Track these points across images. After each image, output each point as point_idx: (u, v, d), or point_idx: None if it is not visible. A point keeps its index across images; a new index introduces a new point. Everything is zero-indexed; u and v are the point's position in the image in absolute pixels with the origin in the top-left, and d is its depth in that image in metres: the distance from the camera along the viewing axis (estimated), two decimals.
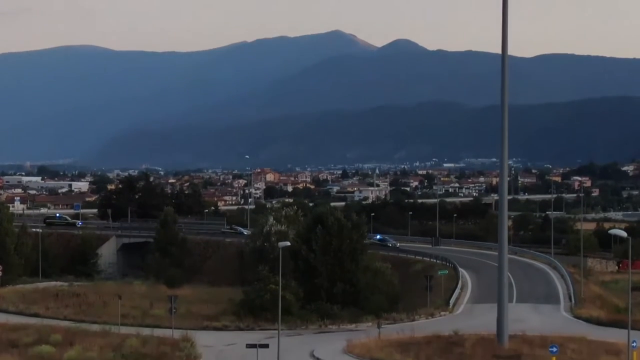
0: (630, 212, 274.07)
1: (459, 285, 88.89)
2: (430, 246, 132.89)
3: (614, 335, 58.86)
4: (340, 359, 54.61)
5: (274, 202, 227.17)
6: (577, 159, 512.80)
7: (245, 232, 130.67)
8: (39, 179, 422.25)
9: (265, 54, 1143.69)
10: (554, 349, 50.49)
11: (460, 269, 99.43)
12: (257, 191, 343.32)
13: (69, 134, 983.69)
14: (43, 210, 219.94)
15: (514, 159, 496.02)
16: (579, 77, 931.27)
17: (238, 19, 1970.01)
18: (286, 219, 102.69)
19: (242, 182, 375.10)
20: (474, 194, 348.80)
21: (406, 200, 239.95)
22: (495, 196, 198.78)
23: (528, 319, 70.72)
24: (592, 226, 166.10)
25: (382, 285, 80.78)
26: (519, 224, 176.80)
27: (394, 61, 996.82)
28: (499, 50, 58.95)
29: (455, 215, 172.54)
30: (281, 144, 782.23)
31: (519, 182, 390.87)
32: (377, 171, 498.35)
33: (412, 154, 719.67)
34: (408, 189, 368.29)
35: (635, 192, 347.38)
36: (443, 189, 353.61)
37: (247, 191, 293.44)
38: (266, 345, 47.76)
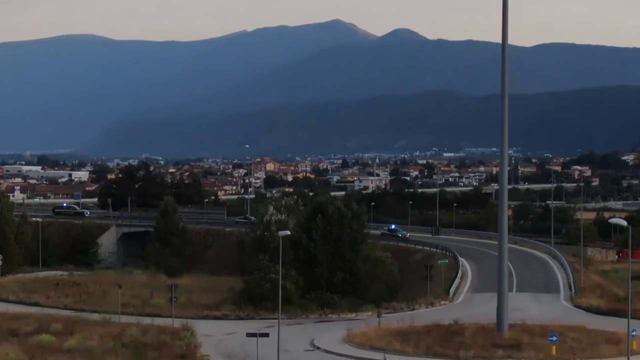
0: (630, 202, 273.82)
1: (459, 275, 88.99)
2: (430, 235, 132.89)
3: (614, 325, 58.91)
4: (341, 348, 54.65)
5: (274, 191, 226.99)
6: (577, 148, 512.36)
7: None
8: (39, 168, 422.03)
9: (265, 43, 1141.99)
10: (554, 338, 50.57)
11: (460, 259, 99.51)
12: (257, 181, 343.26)
13: (69, 124, 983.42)
14: (43, 200, 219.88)
15: (514, 148, 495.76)
16: (579, 66, 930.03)
17: (238, 8, 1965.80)
18: (286, 208, 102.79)
19: (242, 171, 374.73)
20: (474, 183, 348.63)
21: (406, 190, 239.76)
22: (495, 185, 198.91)
23: (528, 308, 70.81)
24: (592, 215, 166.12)
25: (382, 275, 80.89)
26: (519, 213, 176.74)
27: (394, 50, 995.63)
28: (499, 40, 58.88)
29: (455, 204, 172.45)
30: (281, 134, 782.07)
31: (519, 171, 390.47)
32: (377, 161, 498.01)
33: (412, 143, 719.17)
34: (408, 178, 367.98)
35: (635, 182, 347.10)
36: (443, 179, 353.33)
37: (247, 181, 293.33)
38: (266, 334, 47.82)
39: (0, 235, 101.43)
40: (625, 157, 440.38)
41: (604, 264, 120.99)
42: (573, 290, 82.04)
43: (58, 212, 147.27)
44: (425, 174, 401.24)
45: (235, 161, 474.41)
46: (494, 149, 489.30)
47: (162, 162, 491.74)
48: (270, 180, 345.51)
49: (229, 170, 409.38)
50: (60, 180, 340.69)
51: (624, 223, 46.17)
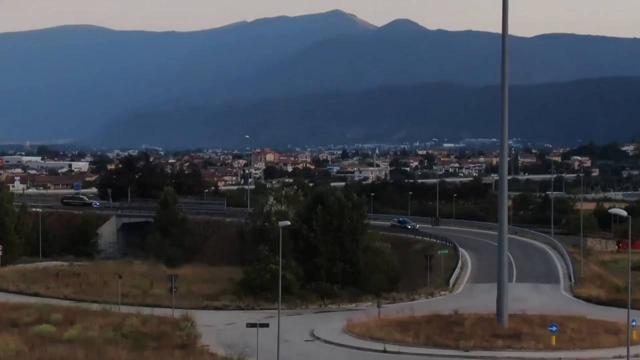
0: (630, 192, 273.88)
1: (459, 265, 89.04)
2: (430, 226, 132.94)
3: (614, 315, 58.99)
4: (341, 338, 54.70)
5: (274, 182, 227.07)
6: (577, 138, 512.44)
7: None
8: (38, 158, 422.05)
9: (265, 34, 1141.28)
10: (554, 328, 50.63)
11: (460, 249, 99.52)
12: (257, 171, 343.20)
13: (68, 114, 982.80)
14: (43, 190, 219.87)
15: (514, 139, 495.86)
16: (580, 57, 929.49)
17: None
18: (286, 199, 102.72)
19: (242, 162, 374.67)
20: (474, 174, 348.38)
21: (406, 180, 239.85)
22: (495, 176, 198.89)
23: (528, 298, 70.88)
24: (592, 206, 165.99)
25: (382, 265, 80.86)
26: (519, 204, 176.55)
27: (394, 41, 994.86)
28: (499, 30, 58.76)
29: (455, 195, 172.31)
30: (281, 124, 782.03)
31: (519, 162, 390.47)
32: (377, 151, 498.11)
33: (412, 134, 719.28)
34: (408, 169, 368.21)
35: (635, 172, 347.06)
36: (443, 169, 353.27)
37: (247, 171, 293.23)
38: (266, 325, 47.81)
39: (1, 225, 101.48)
40: (625, 148, 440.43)
41: (603, 254, 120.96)
42: (573, 281, 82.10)
43: (67, 202, 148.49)
44: (425, 164, 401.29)
45: (235, 152, 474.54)
46: (494, 139, 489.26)
47: (162, 153, 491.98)
48: (270, 171, 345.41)
49: (229, 161, 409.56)
50: (60, 171, 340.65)
51: (624, 213, 46.12)
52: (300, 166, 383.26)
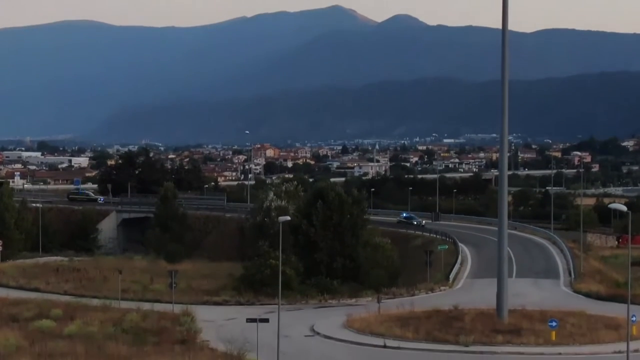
0: (630, 188, 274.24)
1: (459, 260, 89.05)
2: (430, 221, 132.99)
3: (614, 310, 59.04)
4: (341, 333, 54.74)
5: (273, 177, 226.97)
6: (577, 134, 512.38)
7: None
8: (38, 154, 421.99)
9: (265, 29, 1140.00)
10: (554, 324, 50.68)
11: (460, 244, 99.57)
12: (257, 167, 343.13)
13: (68, 110, 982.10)
14: (43, 186, 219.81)
15: (514, 134, 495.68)
16: (580, 52, 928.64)
17: None
18: (286, 194, 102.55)
19: (242, 157, 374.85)
20: (474, 169, 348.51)
21: (406, 176, 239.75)
22: (495, 172, 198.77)
23: (528, 293, 70.88)
24: (591, 201, 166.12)
25: (382, 260, 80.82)
26: (519, 199, 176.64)
27: (394, 36, 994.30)
28: (499, 25, 58.76)
29: (455, 190, 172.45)
30: (281, 120, 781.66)
31: (519, 157, 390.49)
32: (377, 147, 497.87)
33: (412, 129, 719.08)
34: (408, 164, 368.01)
35: (635, 168, 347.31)
36: (443, 165, 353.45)
37: (247, 167, 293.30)
38: (266, 320, 47.85)
39: (1, 221, 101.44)
40: (625, 143, 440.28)
41: (603, 249, 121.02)
42: (573, 276, 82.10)
43: (72, 197, 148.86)
44: (425, 160, 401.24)
45: (235, 147, 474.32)
46: (494, 135, 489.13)
47: (162, 148, 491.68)
48: (270, 166, 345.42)
49: (229, 157, 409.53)
50: (60, 166, 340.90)
51: (624, 208, 46.08)
52: (300, 161, 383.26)
